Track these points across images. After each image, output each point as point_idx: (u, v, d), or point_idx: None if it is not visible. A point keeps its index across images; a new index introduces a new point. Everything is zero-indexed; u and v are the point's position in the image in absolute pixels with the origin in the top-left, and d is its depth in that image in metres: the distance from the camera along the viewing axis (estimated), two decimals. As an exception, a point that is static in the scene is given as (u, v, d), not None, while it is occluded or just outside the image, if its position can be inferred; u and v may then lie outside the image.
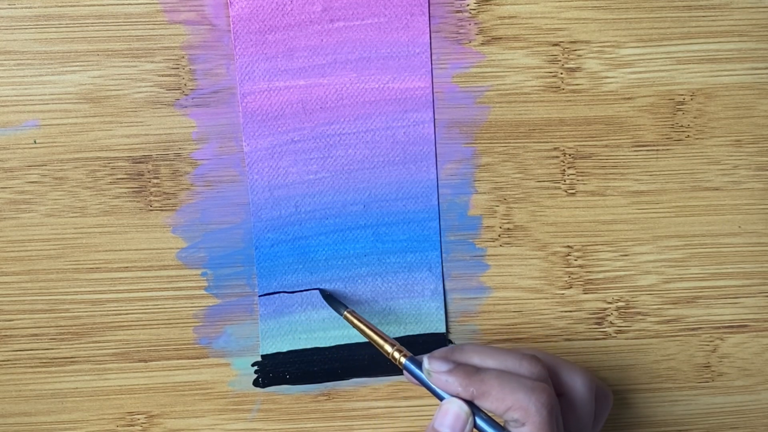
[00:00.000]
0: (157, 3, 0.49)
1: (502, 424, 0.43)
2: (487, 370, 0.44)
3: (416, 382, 0.46)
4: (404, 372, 0.46)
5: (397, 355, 0.47)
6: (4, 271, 0.51)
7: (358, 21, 0.50)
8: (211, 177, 0.51)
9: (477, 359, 0.45)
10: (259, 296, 0.52)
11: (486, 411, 0.44)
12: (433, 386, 0.45)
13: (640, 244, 0.54)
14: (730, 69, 0.52)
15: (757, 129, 0.53)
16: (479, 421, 0.43)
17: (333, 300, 0.52)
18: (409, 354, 0.46)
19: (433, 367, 0.44)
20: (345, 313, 0.50)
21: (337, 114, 0.51)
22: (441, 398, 0.44)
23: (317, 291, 0.52)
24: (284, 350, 0.53)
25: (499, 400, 0.43)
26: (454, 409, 0.43)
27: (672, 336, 0.55)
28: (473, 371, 0.44)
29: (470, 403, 0.44)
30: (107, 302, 0.52)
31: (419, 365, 0.45)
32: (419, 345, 0.53)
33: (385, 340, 0.47)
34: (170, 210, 0.51)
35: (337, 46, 0.50)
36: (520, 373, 0.44)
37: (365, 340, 0.53)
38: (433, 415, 0.44)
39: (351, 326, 0.50)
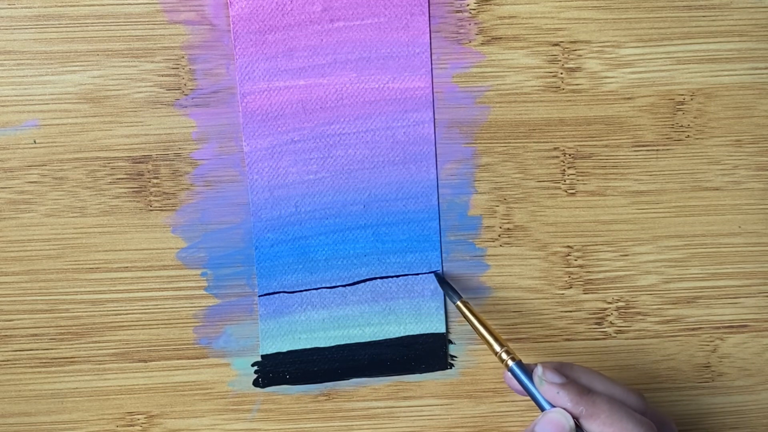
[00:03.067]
0: (157, 3, 0.49)
1: None
2: (599, 394, 0.45)
3: (518, 387, 0.47)
4: (505, 374, 0.47)
5: (504, 356, 0.47)
6: (4, 271, 0.51)
7: (358, 21, 0.50)
8: (211, 177, 0.51)
9: (585, 379, 0.46)
10: (259, 296, 0.52)
11: None
12: (539, 395, 0.45)
13: (640, 244, 0.54)
14: (730, 69, 0.52)
15: (757, 129, 0.53)
16: None
17: (448, 286, 0.51)
18: (518, 358, 0.47)
19: (547, 377, 0.45)
20: (458, 302, 0.50)
21: (337, 114, 0.51)
22: (541, 407, 0.45)
23: (432, 274, 0.52)
24: (284, 350, 0.53)
25: (607, 425, 0.43)
26: (560, 420, 0.44)
27: (672, 336, 0.55)
28: (585, 391, 0.45)
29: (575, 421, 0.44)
30: (107, 302, 0.52)
31: (525, 371, 0.46)
32: (419, 345, 0.53)
33: (495, 339, 0.48)
34: (170, 210, 0.51)
35: (337, 46, 0.50)
36: (628, 404, 0.45)
37: (365, 340, 0.53)
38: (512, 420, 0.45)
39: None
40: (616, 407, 0.44)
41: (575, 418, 0.44)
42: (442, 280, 0.52)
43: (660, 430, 0.48)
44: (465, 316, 0.50)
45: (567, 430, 0.44)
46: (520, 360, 0.47)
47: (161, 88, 0.50)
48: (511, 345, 0.54)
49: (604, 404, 0.44)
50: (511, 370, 0.47)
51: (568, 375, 0.46)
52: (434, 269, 0.53)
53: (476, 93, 0.51)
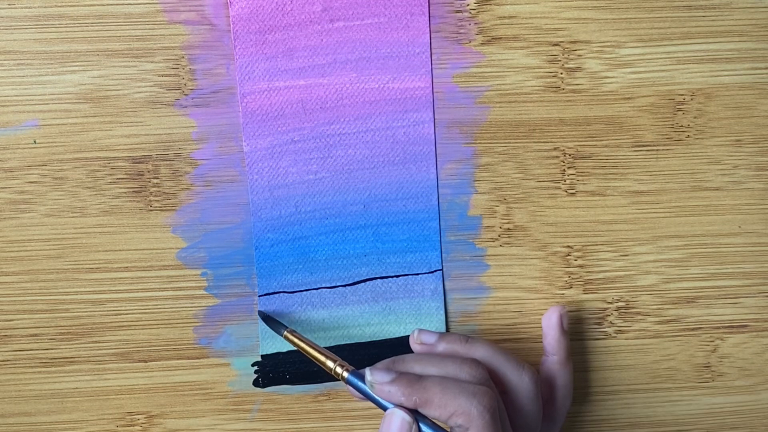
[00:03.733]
0: (157, 3, 0.49)
1: (447, 430, 0.44)
2: (429, 377, 0.44)
3: (360, 395, 0.46)
4: (348, 387, 0.47)
5: (339, 370, 0.47)
6: (4, 271, 0.51)
7: (358, 21, 0.50)
8: (211, 177, 0.51)
9: (418, 368, 0.46)
10: (259, 296, 0.52)
11: (430, 418, 0.44)
12: (377, 398, 0.45)
13: (640, 244, 0.54)
14: (730, 69, 0.52)
15: (757, 129, 0.53)
16: (425, 428, 0.44)
17: (271, 320, 0.51)
18: (352, 368, 0.47)
19: (375, 378, 0.45)
20: (285, 333, 0.50)
21: (337, 114, 0.51)
22: (385, 409, 0.45)
23: (258, 312, 0.52)
24: (284, 350, 0.53)
25: (442, 407, 0.43)
26: (397, 420, 0.44)
27: (672, 336, 0.55)
28: (415, 379, 0.44)
29: (415, 412, 0.44)
30: (107, 302, 0.52)
31: (361, 378, 0.46)
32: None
33: (327, 357, 0.48)
34: (170, 210, 0.51)
35: (337, 46, 0.50)
36: (461, 378, 0.45)
37: (365, 340, 0.53)
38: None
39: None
40: (448, 386, 0.43)
41: (416, 411, 0.44)
42: (266, 317, 0.51)
43: (555, 392, 0.49)
44: (294, 344, 0.49)
45: (407, 427, 0.44)
46: (354, 369, 0.47)
47: (161, 88, 0.50)
48: (511, 345, 0.54)
49: (436, 387, 0.44)
50: (347, 381, 0.46)
51: (399, 369, 0.45)
52: (434, 269, 0.53)
53: (476, 93, 0.51)
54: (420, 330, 0.49)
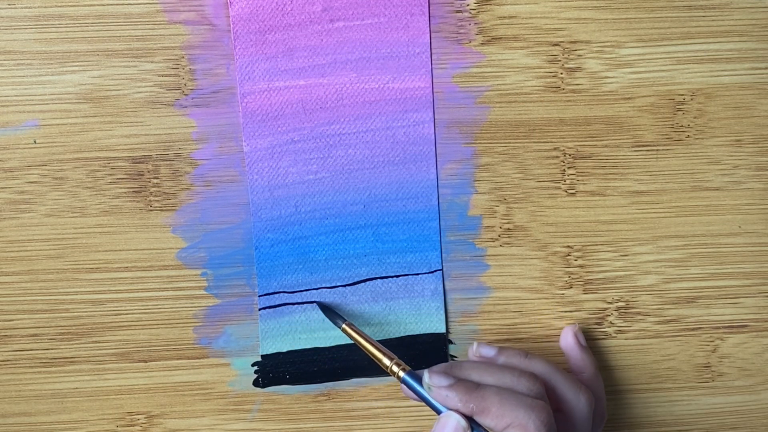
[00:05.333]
0: (157, 3, 0.49)
1: None
2: (487, 387, 0.45)
3: (414, 395, 0.46)
4: (402, 386, 0.47)
5: (395, 368, 0.47)
6: (4, 271, 0.51)
7: (358, 21, 0.50)
8: (211, 177, 0.51)
9: (475, 375, 0.46)
10: (259, 296, 0.52)
11: (485, 427, 0.44)
12: (432, 400, 0.45)
13: (640, 244, 0.54)
14: (730, 69, 0.52)
15: (757, 129, 0.53)
16: None
17: (331, 312, 0.52)
18: (408, 368, 0.47)
19: (433, 381, 0.45)
20: (343, 325, 0.50)
21: (337, 114, 0.51)
22: (438, 412, 0.45)
23: (315, 303, 0.52)
24: (284, 350, 0.53)
25: (499, 417, 0.43)
26: (452, 423, 0.44)
27: (672, 336, 0.55)
28: (473, 387, 0.44)
29: (470, 419, 0.44)
30: (107, 302, 0.52)
31: (417, 379, 0.46)
32: (419, 345, 0.53)
33: (384, 354, 0.48)
34: (170, 210, 0.51)
35: (337, 46, 0.50)
36: (519, 390, 0.45)
37: (365, 340, 0.53)
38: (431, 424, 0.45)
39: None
40: (506, 397, 0.44)
41: (469, 417, 0.44)
42: (325, 307, 0.52)
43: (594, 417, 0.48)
44: (352, 338, 0.50)
45: (462, 430, 0.44)
46: (411, 369, 0.47)
47: (161, 88, 0.50)
48: (511, 345, 0.54)
49: (494, 396, 0.44)
50: (403, 380, 0.47)
51: (457, 374, 0.45)
52: (434, 269, 0.53)
53: (476, 93, 0.51)
54: (479, 343, 0.49)
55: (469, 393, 0.44)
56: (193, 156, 0.51)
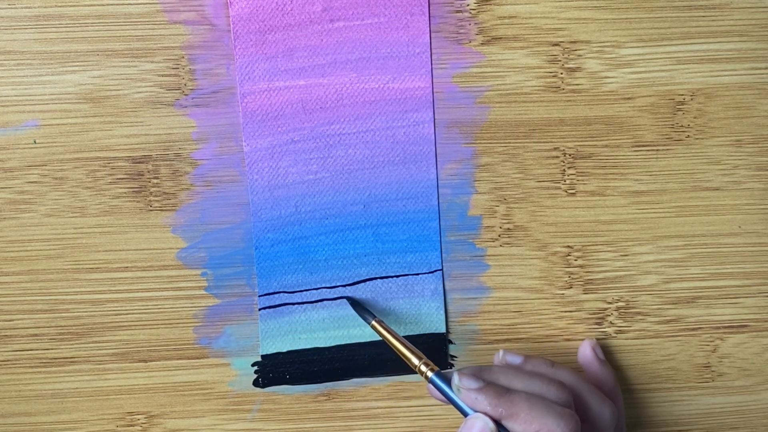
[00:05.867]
0: (157, 3, 0.49)
1: None
2: (517, 392, 0.45)
3: (440, 396, 0.47)
4: (429, 386, 0.47)
5: (423, 368, 0.47)
6: (4, 271, 0.51)
7: (358, 21, 0.50)
8: (211, 177, 0.51)
9: (504, 380, 0.46)
10: (259, 296, 0.52)
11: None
12: (460, 402, 0.45)
13: (640, 244, 0.54)
14: (730, 69, 0.52)
15: (757, 129, 0.53)
16: None
17: (360, 308, 0.52)
18: (437, 368, 0.47)
19: (463, 383, 0.45)
20: (373, 322, 0.50)
21: (337, 114, 0.51)
22: (465, 414, 0.45)
23: (344, 299, 0.52)
24: (284, 350, 0.53)
25: (528, 423, 0.43)
26: (480, 425, 0.44)
27: (672, 336, 0.55)
28: (503, 391, 0.45)
29: (495, 422, 0.44)
30: (107, 302, 0.52)
31: (445, 380, 0.46)
32: (419, 345, 0.53)
33: (413, 353, 0.48)
34: (170, 210, 0.51)
35: (337, 46, 0.50)
36: (548, 397, 0.45)
37: (365, 340, 0.53)
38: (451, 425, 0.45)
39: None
40: (535, 403, 0.44)
41: (498, 421, 0.44)
42: (355, 302, 0.52)
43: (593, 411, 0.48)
44: (381, 335, 0.49)
45: None
46: (439, 370, 0.47)
47: (161, 88, 0.50)
48: (511, 345, 0.54)
49: (523, 402, 0.44)
50: (431, 381, 0.47)
51: (486, 378, 0.45)
52: (434, 269, 0.53)
53: (476, 93, 0.51)
54: (505, 351, 0.49)
55: (499, 397, 0.44)
56: (193, 156, 0.51)
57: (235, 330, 0.53)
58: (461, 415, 0.46)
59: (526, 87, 0.51)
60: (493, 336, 0.54)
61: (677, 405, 0.56)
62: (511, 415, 0.44)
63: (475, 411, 0.45)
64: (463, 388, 0.45)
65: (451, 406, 0.46)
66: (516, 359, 0.49)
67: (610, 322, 0.55)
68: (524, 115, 0.52)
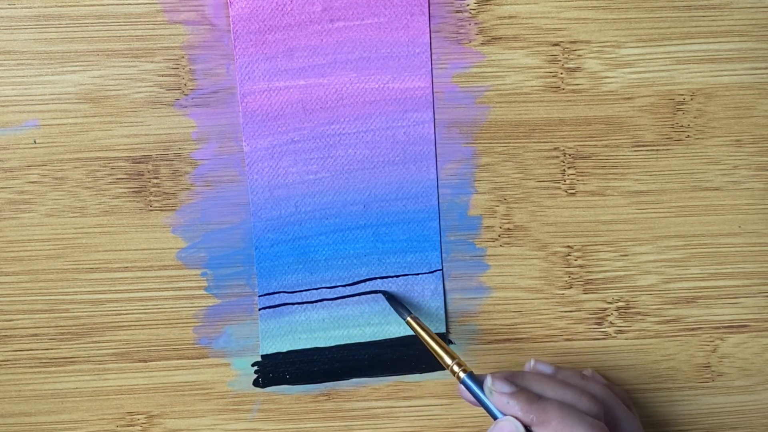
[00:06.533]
0: (157, 3, 0.49)
1: None
2: (549, 400, 0.45)
3: (470, 398, 0.47)
4: (460, 386, 0.47)
5: (456, 368, 0.47)
6: (4, 271, 0.51)
7: (358, 21, 0.50)
8: (211, 177, 0.51)
9: (536, 386, 0.46)
10: (259, 296, 0.52)
11: None
12: (491, 405, 0.45)
13: (640, 244, 0.54)
14: (730, 69, 0.52)
15: (757, 129, 0.53)
16: None
17: (397, 303, 0.52)
18: (469, 369, 0.47)
19: (496, 387, 0.45)
20: (408, 318, 0.50)
21: (337, 114, 0.51)
22: (494, 417, 0.45)
23: (380, 293, 0.52)
24: (284, 350, 0.53)
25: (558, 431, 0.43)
26: (510, 428, 0.44)
27: (672, 336, 0.55)
28: (535, 398, 0.45)
29: (525, 427, 0.44)
30: (107, 302, 0.52)
31: (477, 382, 0.46)
32: (419, 345, 0.53)
33: (447, 352, 0.48)
34: (170, 210, 0.51)
35: (337, 46, 0.50)
36: (580, 408, 0.45)
37: (365, 339, 0.53)
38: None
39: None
40: (567, 413, 0.44)
41: (527, 426, 0.44)
42: (392, 297, 0.52)
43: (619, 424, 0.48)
44: (416, 332, 0.50)
45: None
46: (472, 372, 0.47)
47: (161, 88, 0.50)
48: (511, 345, 0.54)
49: (555, 410, 0.44)
50: (463, 382, 0.47)
51: (518, 383, 0.46)
52: (434, 269, 0.53)
53: (476, 93, 0.51)
54: (536, 360, 0.49)
55: (531, 403, 0.44)
56: (193, 156, 0.51)
57: (235, 330, 0.53)
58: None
59: (526, 87, 0.51)
60: (493, 336, 0.54)
61: (677, 405, 0.56)
62: (542, 422, 0.44)
63: (505, 415, 0.45)
64: (495, 391, 0.45)
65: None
66: (547, 369, 0.49)
67: (610, 322, 0.55)
68: (524, 115, 0.52)
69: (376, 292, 0.52)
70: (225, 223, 0.52)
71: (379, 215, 0.52)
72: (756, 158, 0.53)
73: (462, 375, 0.47)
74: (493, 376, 0.46)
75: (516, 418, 0.44)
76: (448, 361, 0.48)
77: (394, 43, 0.50)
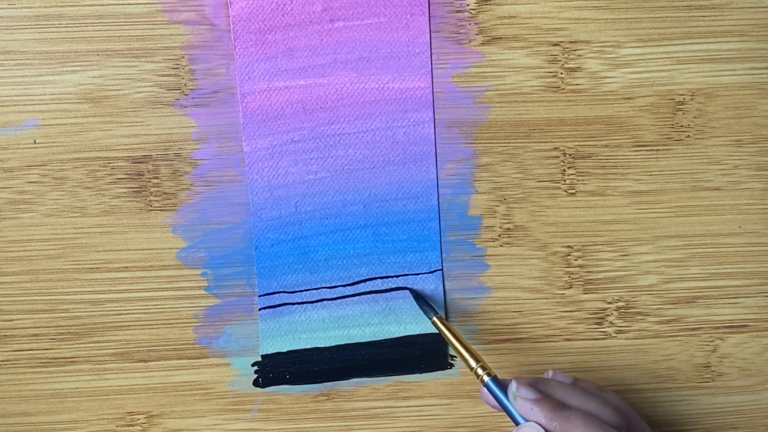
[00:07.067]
0: (157, 3, 0.49)
1: None
2: (573, 409, 0.45)
3: (493, 401, 0.47)
4: (482, 389, 0.47)
5: (480, 372, 0.47)
6: (4, 271, 0.51)
7: (358, 21, 0.50)
8: (211, 177, 0.51)
9: (560, 394, 0.46)
10: (259, 296, 0.52)
11: None
12: (514, 410, 0.46)
13: (640, 244, 0.54)
14: (730, 69, 0.52)
15: (757, 129, 0.53)
16: None
17: (423, 302, 0.52)
18: (494, 373, 0.47)
19: (521, 392, 0.45)
20: (434, 318, 0.50)
21: (337, 114, 0.51)
22: (516, 422, 0.45)
23: (407, 290, 0.52)
24: (284, 350, 0.53)
25: None
26: (533, 431, 0.44)
27: (672, 336, 0.55)
28: (560, 406, 0.45)
29: None
30: (107, 302, 0.52)
31: (500, 386, 0.46)
32: (419, 345, 0.53)
33: (471, 354, 0.48)
34: (170, 210, 0.51)
35: (337, 46, 0.50)
36: (603, 418, 0.45)
37: (365, 340, 0.53)
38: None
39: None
40: (591, 422, 0.44)
41: None
42: (418, 296, 0.52)
43: None
44: (441, 332, 0.50)
45: None
46: (496, 375, 0.47)
47: (161, 88, 0.50)
48: (511, 345, 0.54)
49: (579, 419, 0.44)
50: (486, 385, 0.47)
51: (543, 390, 0.46)
52: (434, 269, 0.53)
53: (476, 93, 0.51)
54: (555, 371, 0.49)
55: (555, 411, 0.44)
56: (193, 156, 0.51)
57: (235, 330, 0.53)
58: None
59: (526, 87, 0.51)
60: (493, 336, 0.54)
61: (677, 405, 0.56)
62: (565, 430, 0.44)
63: (527, 420, 0.45)
64: (520, 397, 0.45)
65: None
66: (566, 380, 0.49)
67: (610, 322, 0.55)
68: (524, 115, 0.52)
69: (402, 288, 0.52)
70: (225, 223, 0.52)
71: (379, 215, 0.52)
72: (756, 158, 0.53)
73: (486, 378, 0.47)
74: (517, 382, 0.46)
75: (539, 424, 0.44)
76: (473, 363, 0.48)
77: (394, 43, 0.50)
